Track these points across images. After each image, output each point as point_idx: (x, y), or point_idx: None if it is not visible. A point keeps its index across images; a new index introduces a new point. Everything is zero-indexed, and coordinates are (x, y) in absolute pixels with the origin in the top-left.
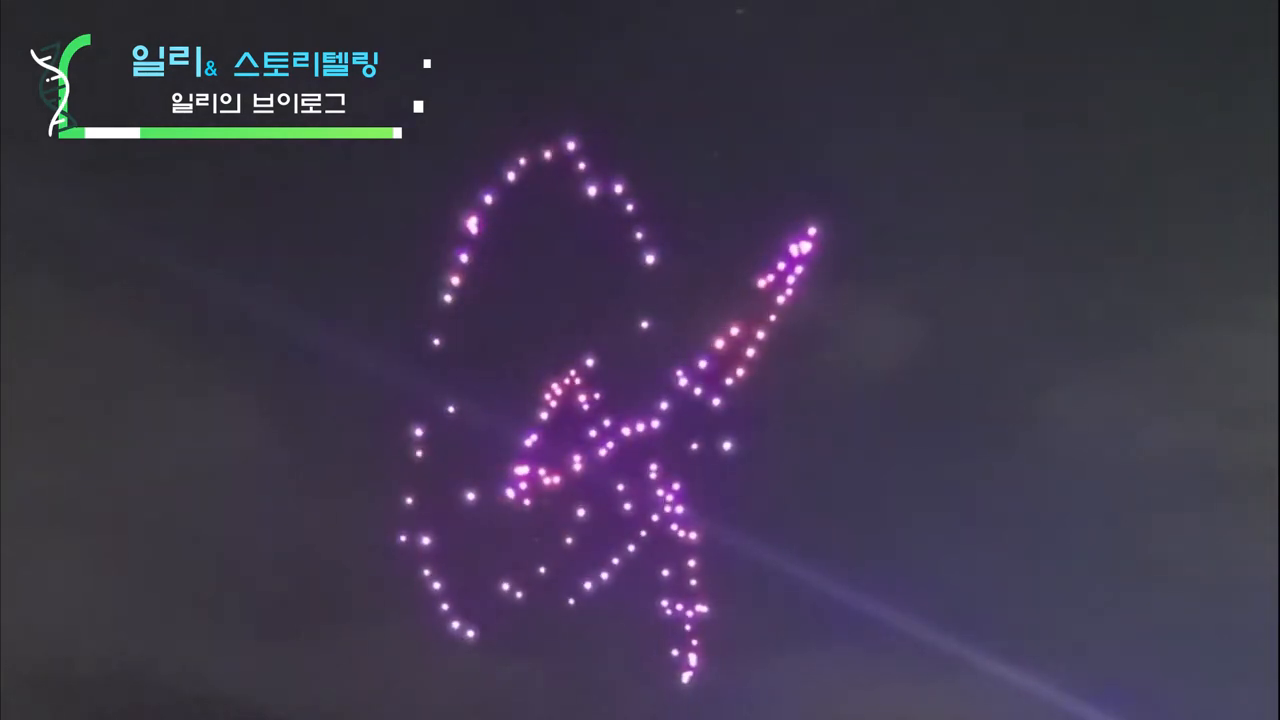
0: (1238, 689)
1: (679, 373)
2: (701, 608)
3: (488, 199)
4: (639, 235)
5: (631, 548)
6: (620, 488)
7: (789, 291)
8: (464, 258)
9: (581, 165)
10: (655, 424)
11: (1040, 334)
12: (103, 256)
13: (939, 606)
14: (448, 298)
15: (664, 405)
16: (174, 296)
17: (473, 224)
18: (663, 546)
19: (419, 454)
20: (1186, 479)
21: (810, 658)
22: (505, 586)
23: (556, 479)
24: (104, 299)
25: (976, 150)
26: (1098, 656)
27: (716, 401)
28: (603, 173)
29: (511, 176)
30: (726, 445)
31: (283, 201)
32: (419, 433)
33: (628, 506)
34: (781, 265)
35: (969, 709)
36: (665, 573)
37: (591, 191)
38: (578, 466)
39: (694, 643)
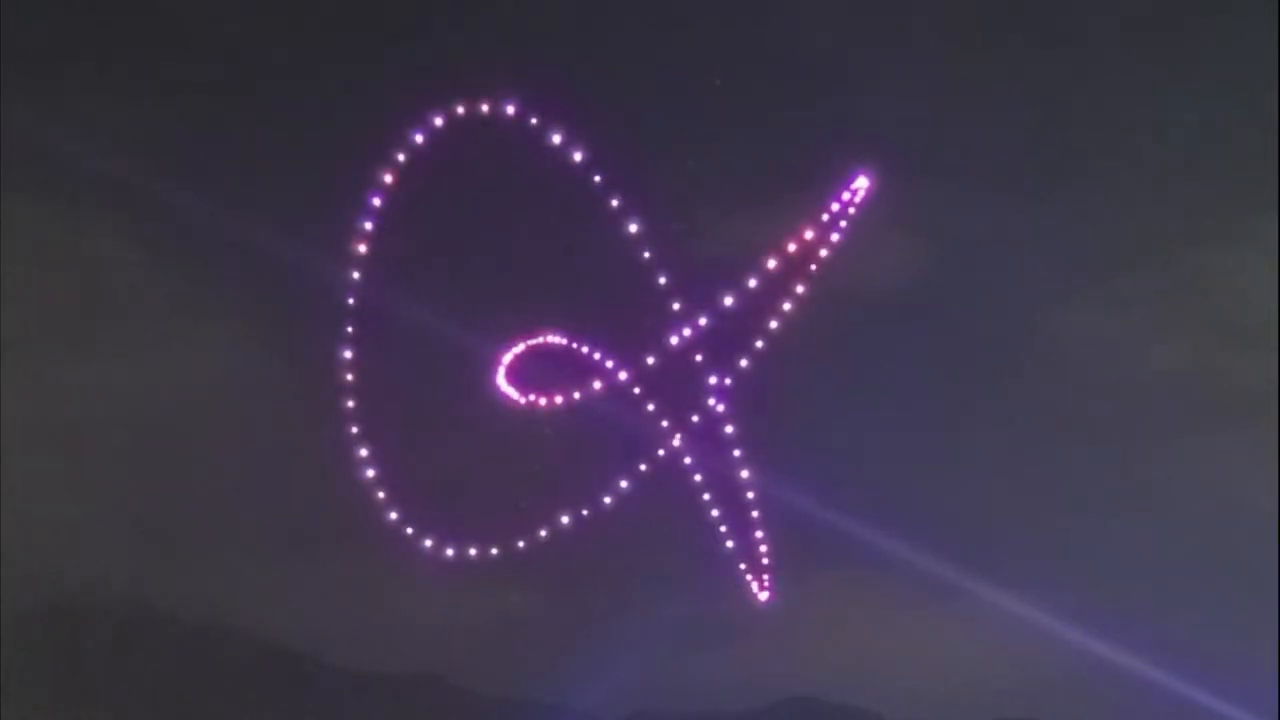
0: (1237, 611)
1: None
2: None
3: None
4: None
5: (643, 468)
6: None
7: (833, 236)
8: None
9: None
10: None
11: (1041, 255)
12: (96, 177)
13: (940, 530)
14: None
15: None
16: (165, 218)
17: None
18: (673, 477)
19: (416, 375)
20: (1188, 400)
21: (809, 582)
22: (511, 508)
23: (564, 398)
24: (97, 219)
25: (979, 76)
26: (1098, 579)
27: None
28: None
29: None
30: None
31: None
32: (411, 354)
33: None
34: (835, 207)
35: (968, 631)
36: (707, 497)
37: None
38: (597, 386)
39: (746, 568)
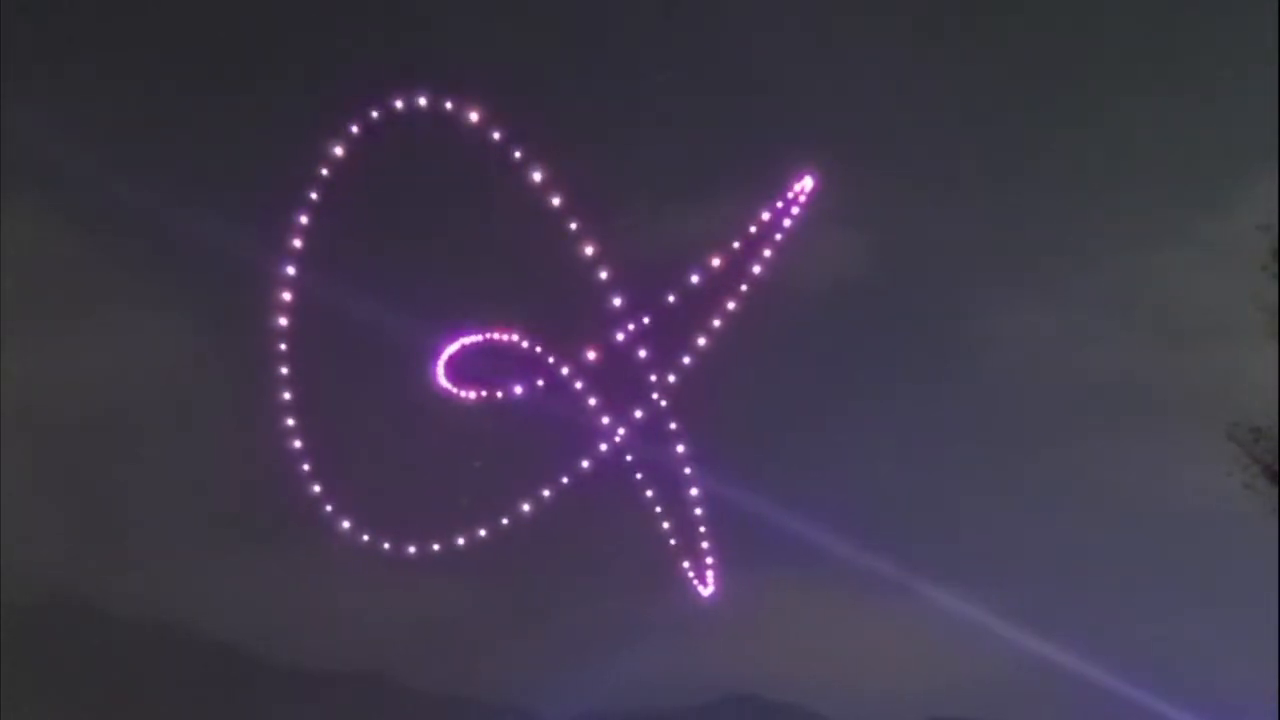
0: (1172, 607)
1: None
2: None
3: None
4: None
5: (585, 464)
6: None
7: (777, 233)
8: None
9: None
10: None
11: (985, 255)
12: (38, 167)
13: (883, 529)
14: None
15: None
16: (102, 214)
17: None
18: (617, 471)
19: (362, 372)
20: (1129, 399)
21: (751, 579)
22: (450, 504)
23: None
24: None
25: (924, 78)
26: (1037, 579)
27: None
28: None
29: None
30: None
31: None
32: (356, 348)
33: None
34: (779, 205)
35: (909, 630)
36: (650, 494)
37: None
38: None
39: (689, 565)
